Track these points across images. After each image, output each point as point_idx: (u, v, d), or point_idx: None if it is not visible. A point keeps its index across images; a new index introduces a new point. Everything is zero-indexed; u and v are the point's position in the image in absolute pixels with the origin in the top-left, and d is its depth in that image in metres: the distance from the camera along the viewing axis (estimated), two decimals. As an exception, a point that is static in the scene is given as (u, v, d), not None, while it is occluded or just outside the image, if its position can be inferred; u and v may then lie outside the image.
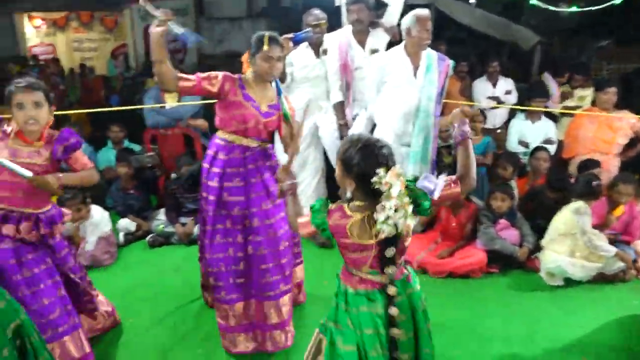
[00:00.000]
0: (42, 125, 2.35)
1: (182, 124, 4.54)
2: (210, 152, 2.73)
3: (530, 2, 3.29)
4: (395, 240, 1.67)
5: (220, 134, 2.71)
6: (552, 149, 4.68)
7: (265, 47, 2.58)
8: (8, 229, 2.34)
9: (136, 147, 5.08)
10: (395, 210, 1.60)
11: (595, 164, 4.07)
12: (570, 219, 3.46)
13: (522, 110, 4.97)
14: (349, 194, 1.75)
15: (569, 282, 3.47)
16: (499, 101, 5.52)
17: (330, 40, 4.01)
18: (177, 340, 2.92)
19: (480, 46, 9.59)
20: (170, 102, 4.44)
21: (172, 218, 4.24)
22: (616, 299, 3.31)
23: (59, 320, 2.41)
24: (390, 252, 1.68)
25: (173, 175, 4.48)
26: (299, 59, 4.03)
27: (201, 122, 4.62)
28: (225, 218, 2.65)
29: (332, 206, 1.76)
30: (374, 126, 3.94)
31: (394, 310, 1.72)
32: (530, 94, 5.13)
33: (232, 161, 2.63)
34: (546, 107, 5.02)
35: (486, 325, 3.01)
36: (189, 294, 3.42)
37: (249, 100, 2.65)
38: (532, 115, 4.90)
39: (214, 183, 2.65)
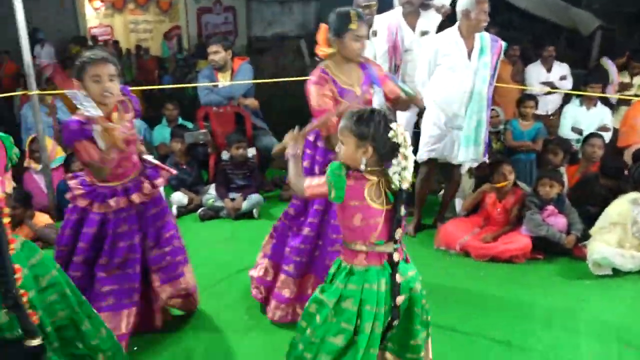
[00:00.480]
0: (115, 98, 2.36)
1: (233, 102, 4.68)
2: (310, 138, 2.67)
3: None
4: (402, 200, 1.76)
5: None
6: (606, 136, 4.54)
7: (354, 26, 2.44)
8: (124, 202, 2.42)
9: (189, 125, 5.29)
10: (410, 159, 1.72)
11: (652, 153, 3.93)
12: (627, 209, 3.38)
13: (577, 96, 4.83)
14: (363, 166, 1.76)
15: (617, 272, 3.40)
16: (553, 87, 5.39)
17: (380, 21, 4.03)
18: (225, 306, 3.08)
19: (535, 30, 9.28)
20: (223, 81, 4.58)
21: (222, 193, 4.41)
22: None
23: (126, 292, 2.46)
24: (402, 210, 1.75)
25: (225, 154, 4.65)
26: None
27: (251, 101, 4.75)
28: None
29: (349, 171, 1.78)
30: (421, 110, 3.94)
31: (399, 278, 1.78)
32: (588, 80, 4.96)
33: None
34: (603, 93, 4.85)
35: (527, 310, 3.01)
36: (236, 264, 3.58)
37: (343, 92, 2.55)
38: (588, 102, 4.75)
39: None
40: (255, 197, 4.40)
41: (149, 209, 2.55)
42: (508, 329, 2.80)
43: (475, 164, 3.86)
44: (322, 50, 2.59)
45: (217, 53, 4.59)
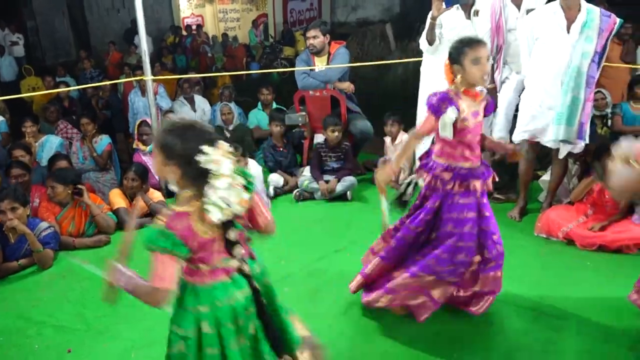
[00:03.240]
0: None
1: (329, 86, 4.76)
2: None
3: None
4: (233, 220, 1.57)
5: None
6: None
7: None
8: (477, 185, 2.47)
9: (284, 109, 5.46)
10: (228, 189, 1.49)
11: None
12: None
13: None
14: (175, 187, 1.59)
15: None
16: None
17: (483, 0, 3.91)
18: (324, 283, 3.18)
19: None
20: (321, 65, 4.67)
21: (316, 175, 4.52)
22: None
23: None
24: (232, 234, 1.58)
25: (319, 137, 4.75)
26: (449, 20, 3.99)
27: (347, 85, 4.80)
28: None
29: (162, 219, 1.53)
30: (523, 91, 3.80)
31: (253, 285, 1.67)
32: None
33: None
34: None
35: None
36: (332, 243, 3.68)
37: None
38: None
39: None
40: (349, 180, 4.47)
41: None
42: (616, 322, 2.67)
43: (569, 148, 3.61)
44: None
45: (316, 38, 4.68)
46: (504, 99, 3.93)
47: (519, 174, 3.97)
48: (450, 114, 2.38)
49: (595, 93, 4.78)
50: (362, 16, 13.37)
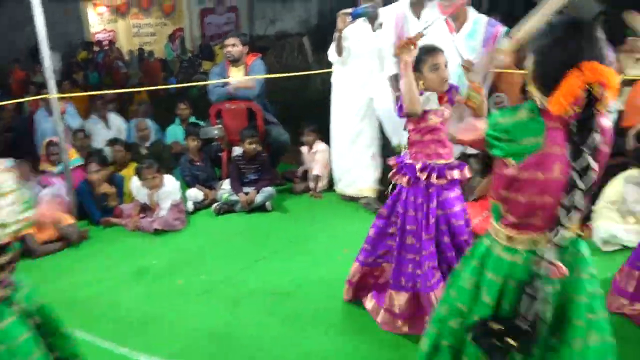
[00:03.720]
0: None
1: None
2: None
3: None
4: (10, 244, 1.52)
5: None
6: (610, 117, 4.61)
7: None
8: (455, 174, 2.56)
9: (201, 123, 5.42)
10: (10, 207, 1.45)
11: (654, 131, 4.01)
12: (622, 186, 3.49)
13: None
14: None
15: (624, 247, 3.49)
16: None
17: (386, 13, 4.11)
18: (246, 294, 3.20)
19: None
20: (236, 75, 4.69)
21: (236, 187, 4.52)
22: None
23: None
24: (4, 258, 1.52)
25: (237, 149, 4.76)
26: (356, 32, 4.17)
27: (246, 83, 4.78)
28: None
29: None
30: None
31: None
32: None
33: None
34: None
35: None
36: (253, 253, 3.71)
37: None
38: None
39: None
40: (268, 190, 4.51)
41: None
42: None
43: (460, 149, 3.79)
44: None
45: (235, 46, 4.72)
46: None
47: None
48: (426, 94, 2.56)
49: (495, 97, 5.18)
50: (281, 29, 13.54)
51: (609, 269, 3.23)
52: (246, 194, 4.49)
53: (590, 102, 1.36)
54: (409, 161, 2.64)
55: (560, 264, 1.45)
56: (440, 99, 2.59)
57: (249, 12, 13.86)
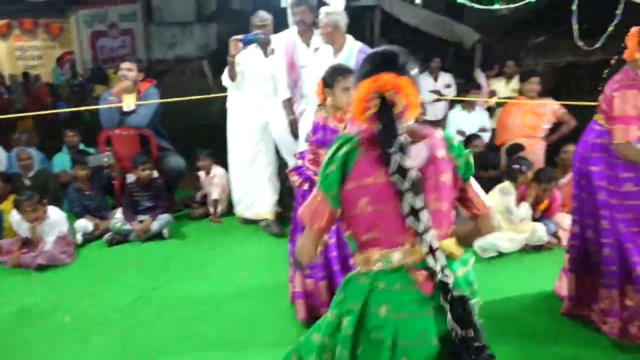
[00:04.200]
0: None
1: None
2: None
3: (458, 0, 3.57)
4: None
5: None
6: (486, 136, 5.08)
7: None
8: None
9: (91, 151, 5.16)
10: None
11: (519, 147, 4.48)
12: (497, 198, 3.86)
13: (459, 102, 5.35)
14: None
15: (501, 254, 3.84)
16: (440, 94, 5.92)
17: (277, 40, 4.24)
18: (141, 323, 3.09)
19: (427, 45, 10.06)
20: (129, 101, 4.54)
21: (129, 216, 4.35)
22: (540, 265, 3.73)
23: None
24: None
25: (130, 176, 4.59)
26: (249, 58, 4.24)
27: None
28: None
29: None
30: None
31: None
32: (466, 88, 5.53)
33: None
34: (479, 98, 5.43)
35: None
36: (150, 282, 3.59)
37: None
38: (468, 106, 5.29)
39: None
40: (164, 217, 4.39)
41: None
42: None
43: None
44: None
45: (130, 71, 4.58)
46: (304, 129, 4.27)
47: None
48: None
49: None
50: (180, 53, 13.30)
51: (489, 274, 3.54)
52: (141, 222, 4.33)
53: (388, 109, 1.44)
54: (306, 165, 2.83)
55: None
56: (341, 121, 2.74)
57: (146, 36, 13.50)
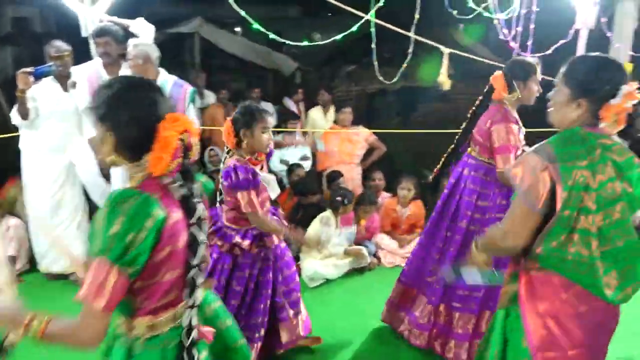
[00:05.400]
0: None
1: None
2: None
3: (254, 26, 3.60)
4: None
5: None
6: (307, 164, 5.26)
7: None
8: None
9: None
10: None
11: (338, 174, 4.74)
12: (318, 228, 4.01)
13: (280, 132, 5.47)
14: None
15: (328, 280, 3.96)
16: (263, 124, 5.99)
17: (79, 72, 3.85)
18: None
19: (249, 73, 10.19)
20: None
21: None
22: (362, 285, 3.96)
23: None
24: None
25: None
26: (45, 92, 3.77)
27: None
28: None
29: None
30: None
31: None
32: (286, 117, 5.68)
33: None
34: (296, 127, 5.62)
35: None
36: None
37: None
38: (288, 137, 5.44)
39: None
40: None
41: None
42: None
43: None
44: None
45: None
46: (117, 169, 3.93)
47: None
48: (265, 175, 2.64)
49: (210, 150, 5.35)
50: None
51: (318, 302, 3.61)
52: None
53: (184, 152, 1.38)
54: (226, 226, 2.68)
55: (204, 329, 1.49)
56: (256, 163, 2.61)
57: None
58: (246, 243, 2.60)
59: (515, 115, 2.85)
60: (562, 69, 1.70)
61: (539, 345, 1.61)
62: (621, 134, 1.65)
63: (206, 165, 5.14)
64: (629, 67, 3.97)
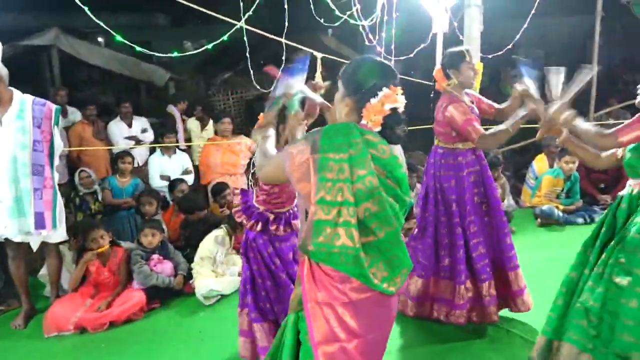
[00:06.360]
0: None
1: None
2: None
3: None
4: None
5: None
6: (190, 178, 5.08)
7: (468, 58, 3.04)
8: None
9: None
10: None
11: (224, 186, 4.64)
12: (212, 245, 3.91)
13: (158, 147, 5.23)
14: None
15: (223, 296, 3.86)
16: (138, 140, 5.65)
17: None
18: None
19: (118, 85, 9.56)
20: None
21: None
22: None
23: None
24: None
25: None
26: None
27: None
28: None
29: None
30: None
31: None
32: (162, 131, 5.44)
33: None
34: (177, 140, 5.42)
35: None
36: None
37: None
38: (168, 150, 5.21)
39: None
40: None
41: None
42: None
43: (40, 238, 3.46)
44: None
45: None
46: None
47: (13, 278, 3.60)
48: None
49: (80, 172, 4.91)
50: None
51: (214, 320, 3.50)
52: None
53: None
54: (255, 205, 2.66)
55: None
56: None
57: None
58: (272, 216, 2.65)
59: (465, 98, 3.09)
60: (341, 70, 1.82)
61: (319, 340, 1.64)
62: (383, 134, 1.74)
63: (77, 188, 4.72)
64: (480, 66, 4.39)
